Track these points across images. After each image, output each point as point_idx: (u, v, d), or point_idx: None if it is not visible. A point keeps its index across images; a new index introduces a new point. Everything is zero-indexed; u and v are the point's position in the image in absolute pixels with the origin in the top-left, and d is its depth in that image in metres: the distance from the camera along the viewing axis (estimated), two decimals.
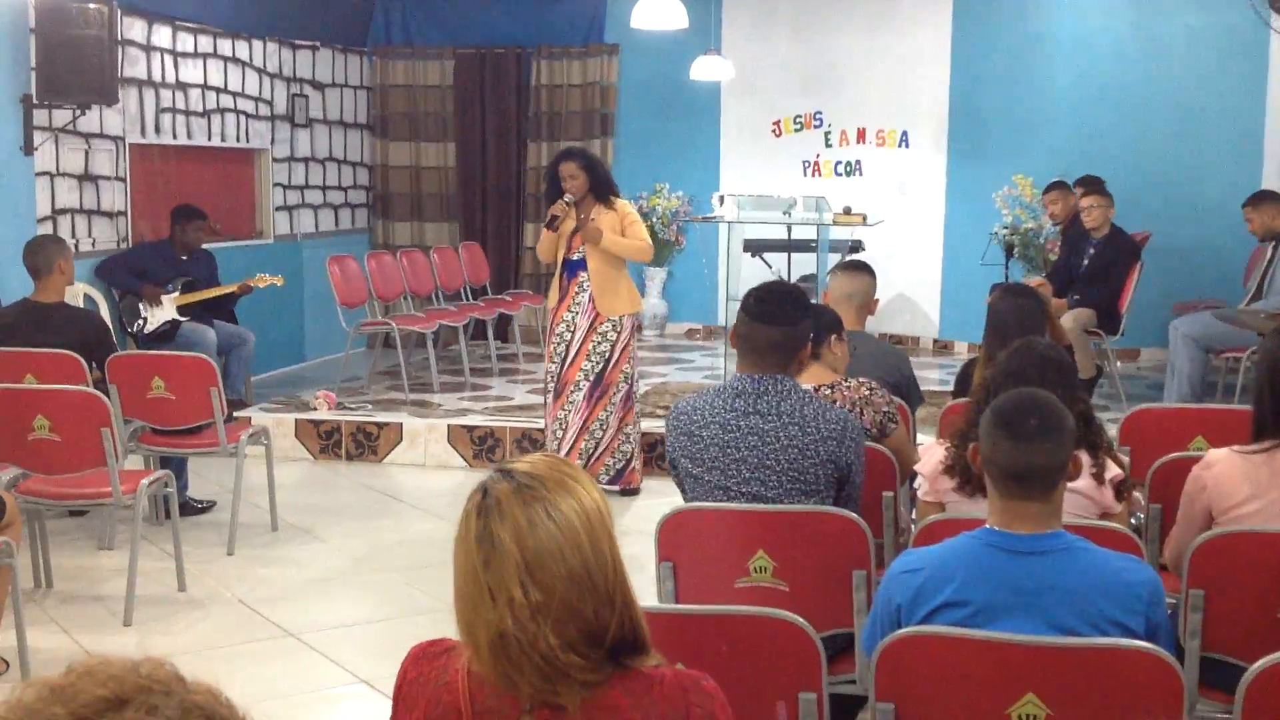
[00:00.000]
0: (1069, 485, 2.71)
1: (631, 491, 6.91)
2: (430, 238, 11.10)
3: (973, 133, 10.28)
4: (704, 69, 10.12)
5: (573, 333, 6.78)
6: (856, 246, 9.77)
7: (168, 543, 5.68)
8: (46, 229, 7.56)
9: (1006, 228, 9.64)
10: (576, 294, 6.79)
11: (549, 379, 6.86)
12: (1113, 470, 3.35)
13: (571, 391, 6.75)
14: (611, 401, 6.79)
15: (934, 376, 9.14)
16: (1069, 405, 2.71)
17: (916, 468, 3.58)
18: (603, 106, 11.11)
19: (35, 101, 7.47)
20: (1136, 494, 3.67)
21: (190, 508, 6.48)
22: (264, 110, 9.81)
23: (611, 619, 1.80)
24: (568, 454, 6.61)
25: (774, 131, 11.17)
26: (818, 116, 11.01)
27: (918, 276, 10.59)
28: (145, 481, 5.30)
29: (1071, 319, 7.75)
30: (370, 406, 8.28)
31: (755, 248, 10.13)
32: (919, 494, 3.56)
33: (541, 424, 7.23)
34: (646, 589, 3.51)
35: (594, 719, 1.80)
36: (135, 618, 5.13)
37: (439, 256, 10.19)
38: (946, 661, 2.47)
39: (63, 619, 5.17)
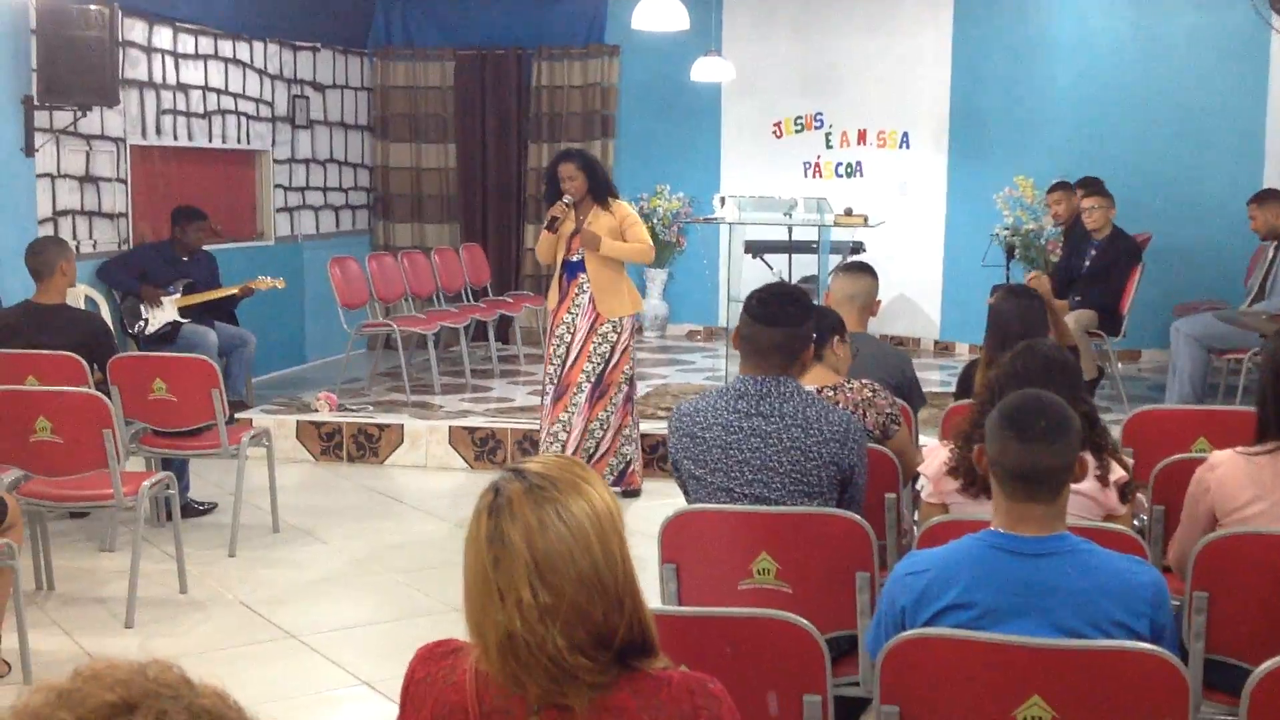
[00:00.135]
0: (1073, 487, 2.71)
1: (632, 493, 6.91)
2: (431, 239, 11.10)
3: (973, 134, 10.28)
4: (705, 70, 10.12)
5: (573, 334, 6.78)
6: (857, 248, 9.77)
7: (169, 544, 5.68)
8: (47, 230, 7.56)
9: (1007, 229, 9.64)
10: (576, 295, 6.78)
11: (547, 380, 6.85)
12: (1117, 472, 3.35)
13: (574, 393, 6.75)
14: (612, 402, 6.79)
15: (935, 378, 9.14)
16: (1073, 407, 2.71)
17: (920, 469, 3.58)
18: (603, 108, 11.11)
19: (36, 103, 7.47)
20: (1140, 496, 3.66)
21: (192, 509, 6.48)
22: (265, 112, 9.81)
23: (620, 622, 1.80)
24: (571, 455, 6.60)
25: (775, 132, 11.17)
26: (818, 117, 11.02)
27: (918, 278, 10.59)
28: (147, 483, 5.30)
29: (1073, 320, 7.74)
30: (371, 408, 8.28)
31: (756, 249, 10.12)
32: (922, 495, 3.56)
33: (536, 425, 7.22)
34: (648, 590, 3.50)
35: None
36: (137, 620, 5.13)
37: (440, 258, 10.19)
38: (951, 664, 2.47)
39: (64, 621, 5.16)
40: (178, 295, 7.83)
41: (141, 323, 7.73)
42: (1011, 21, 10.12)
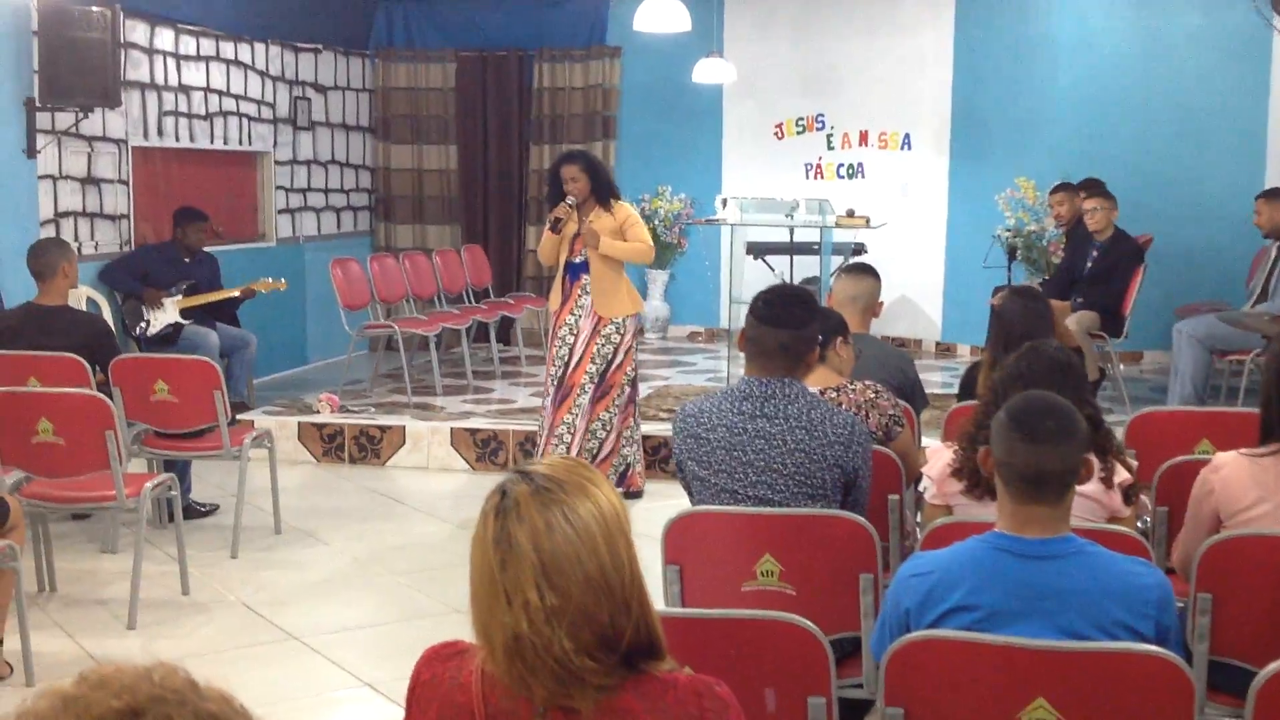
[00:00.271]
0: (1077, 489, 2.70)
1: (633, 495, 6.91)
2: (432, 240, 11.11)
3: (975, 135, 10.27)
4: (706, 71, 10.12)
5: (575, 336, 6.78)
6: (859, 249, 9.76)
7: (171, 546, 5.68)
8: (49, 232, 7.56)
9: (1009, 230, 9.63)
10: (579, 297, 6.79)
11: (550, 382, 6.85)
12: (1121, 474, 3.34)
13: (578, 395, 6.75)
14: (614, 403, 6.79)
15: (937, 379, 9.13)
16: (1078, 408, 2.70)
17: (924, 470, 3.57)
18: (605, 109, 11.11)
19: (38, 104, 7.47)
20: (1143, 497, 3.66)
21: (193, 511, 6.48)
22: (266, 113, 9.82)
23: (627, 624, 1.80)
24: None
25: (776, 134, 11.16)
26: (820, 119, 11.01)
27: (920, 279, 10.58)
28: (149, 485, 5.29)
29: (1075, 322, 7.75)
30: (373, 409, 8.27)
31: (758, 250, 10.12)
32: (926, 497, 3.55)
33: (535, 426, 7.22)
34: (651, 592, 3.50)
35: None
36: (139, 621, 5.13)
37: (441, 259, 10.19)
38: (956, 666, 2.47)
39: (66, 623, 5.16)
40: (179, 297, 7.83)
41: (143, 324, 7.73)
42: (1012, 22, 10.12)
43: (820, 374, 3.95)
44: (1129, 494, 3.34)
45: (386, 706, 4.41)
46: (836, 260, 9.13)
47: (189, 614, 5.33)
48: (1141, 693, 2.40)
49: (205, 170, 9.39)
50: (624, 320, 6.80)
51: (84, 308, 7.23)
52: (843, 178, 10.93)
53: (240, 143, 9.56)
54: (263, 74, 9.76)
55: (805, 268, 9.65)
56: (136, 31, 8.39)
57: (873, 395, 3.96)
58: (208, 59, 9.14)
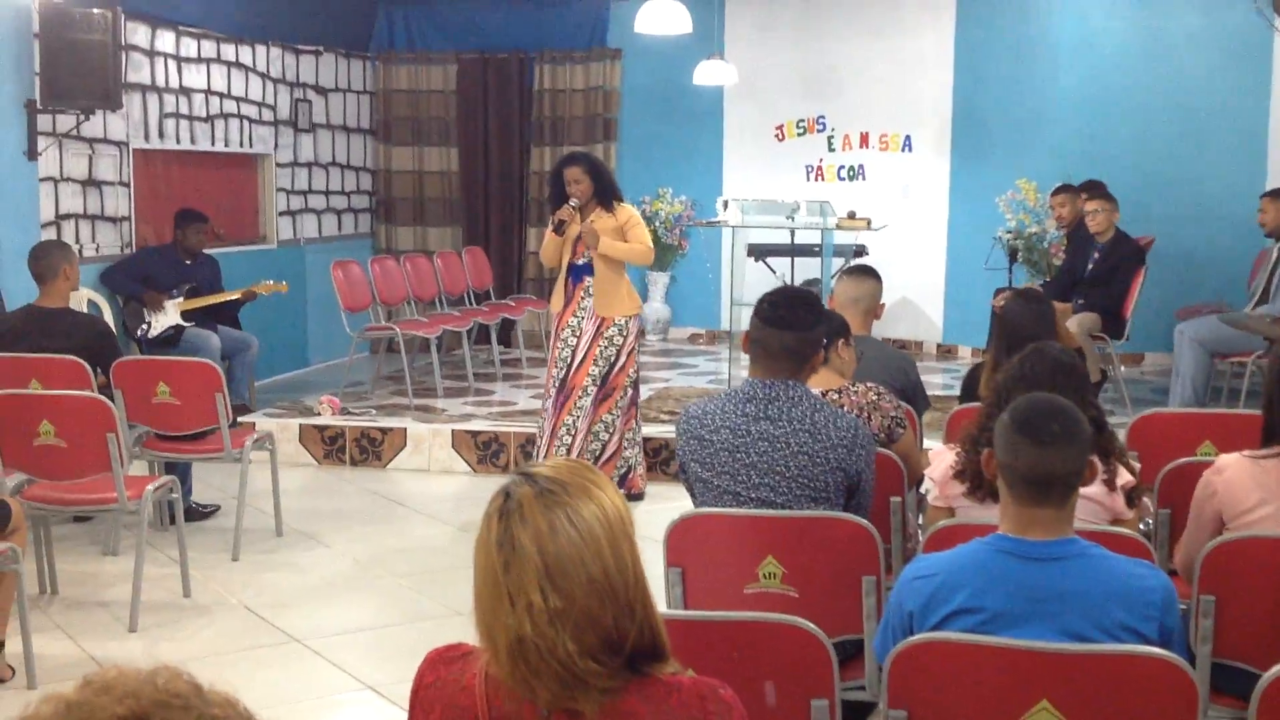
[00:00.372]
0: (1080, 491, 2.70)
1: (635, 497, 6.90)
2: (433, 242, 11.11)
3: (976, 136, 10.27)
4: (707, 73, 10.12)
5: (578, 337, 6.78)
6: (860, 251, 9.76)
7: (172, 548, 5.68)
8: (50, 234, 7.56)
9: (1010, 232, 9.63)
10: (582, 299, 6.79)
11: (551, 383, 6.85)
12: (1124, 477, 3.34)
13: (580, 396, 6.75)
14: (617, 405, 6.79)
15: (938, 381, 9.13)
16: (1081, 410, 2.70)
17: (926, 472, 3.57)
18: (605, 111, 11.12)
19: (39, 107, 7.48)
20: (1145, 499, 3.66)
21: (194, 512, 6.48)
22: (267, 115, 9.82)
23: (631, 627, 1.79)
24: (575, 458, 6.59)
25: (777, 136, 11.16)
26: (820, 121, 11.01)
27: (921, 280, 10.58)
28: (150, 487, 5.29)
29: (1076, 323, 7.74)
30: (374, 412, 8.27)
31: (759, 252, 10.12)
32: (929, 499, 3.55)
33: (536, 428, 7.21)
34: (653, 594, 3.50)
35: None
36: (140, 624, 5.13)
37: (442, 261, 10.19)
38: (959, 668, 2.46)
39: (68, 625, 5.16)
40: (181, 299, 7.84)
41: (144, 326, 7.73)
42: (1013, 23, 10.12)
43: (822, 376, 3.95)
44: (1132, 496, 3.34)
45: (388, 709, 4.41)
46: (837, 262, 9.13)
47: (190, 616, 5.32)
48: (1145, 695, 2.40)
49: (206, 172, 9.39)
50: (626, 321, 6.80)
51: (85, 310, 7.23)
52: (843, 179, 10.93)
53: (241, 145, 9.56)
54: (264, 76, 9.77)
55: (806, 269, 9.65)
56: (137, 34, 8.40)
57: (875, 397, 3.96)
58: (209, 61, 9.15)
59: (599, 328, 6.77)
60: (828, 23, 10.85)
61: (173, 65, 8.77)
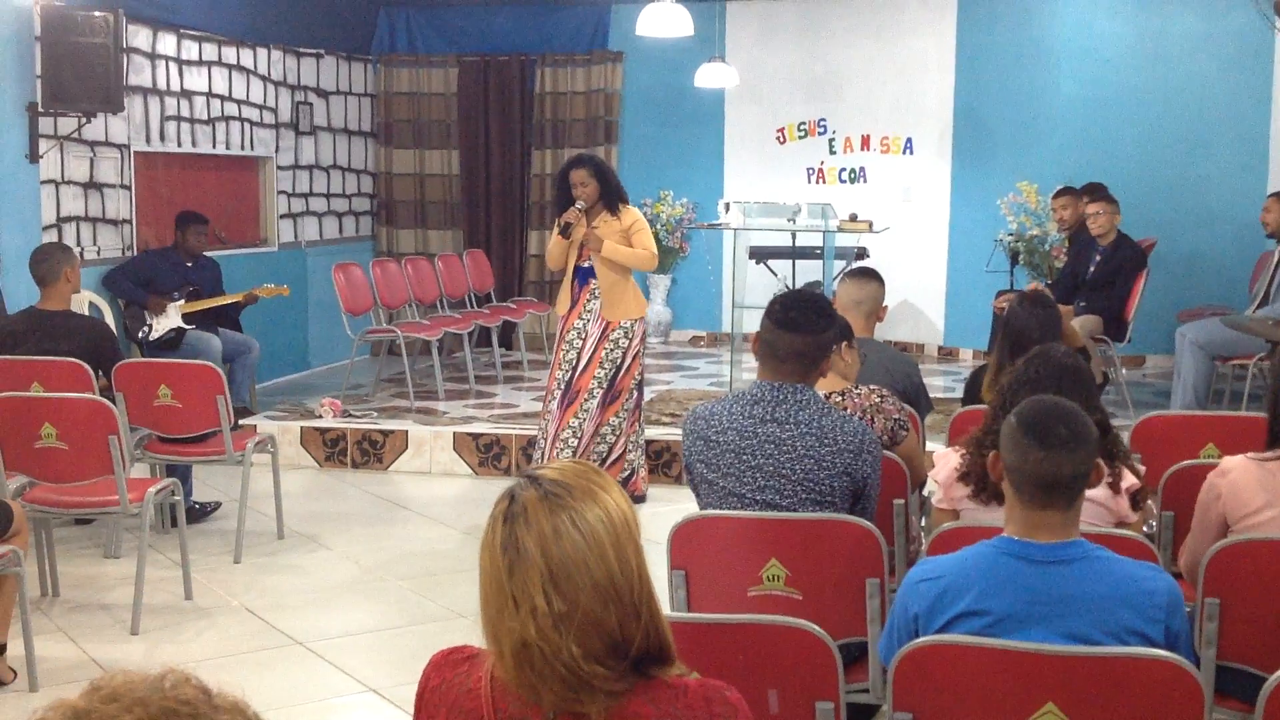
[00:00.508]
0: (1085, 494, 2.69)
1: (637, 499, 6.89)
2: (434, 245, 11.11)
3: (977, 139, 10.27)
4: (708, 76, 10.12)
5: (584, 340, 6.78)
6: (861, 253, 9.76)
7: (174, 551, 5.67)
8: (52, 237, 7.56)
9: (1011, 234, 9.63)
10: (588, 301, 6.78)
11: (556, 385, 6.84)
12: (1129, 479, 3.34)
13: (585, 399, 6.74)
14: (624, 407, 6.79)
15: (939, 383, 9.13)
16: (1088, 414, 2.69)
17: (930, 475, 3.56)
18: (607, 114, 11.12)
19: (41, 109, 7.48)
20: (1150, 503, 3.65)
21: (195, 513, 6.47)
22: (268, 118, 9.82)
23: (636, 630, 1.79)
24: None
25: (778, 138, 11.16)
26: (822, 123, 11.01)
27: (922, 283, 10.58)
28: (152, 490, 5.28)
29: (1078, 326, 7.73)
30: (375, 414, 8.27)
31: (760, 255, 10.13)
32: (933, 501, 3.54)
33: (538, 430, 7.21)
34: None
35: None
36: (142, 626, 5.12)
37: (443, 264, 10.19)
38: (965, 671, 2.46)
39: (70, 628, 5.15)
40: (182, 301, 7.83)
41: (146, 328, 7.73)
42: (1015, 26, 10.12)
43: (825, 379, 3.94)
44: (1136, 499, 3.34)
45: (390, 711, 4.40)
46: (839, 265, 9.13)
47: (192, 619, 5.32)
48: (1150, 698, 2.40)
49: (207, 175, 9.39)
50: (632, 324, 6.80)
51: (86, 312, 7.22)
52: (845, 182, 10.93)
53: (242, 147, 9.55)
54: (265, 79, 9.76)
55: (807, 272, 9.66)
56: (139, 36, 8.40)
57: (878, 400, 3.96)
58: (210, 64, 9.14)
59: (604, 331, 6.76)
60: (829, 25, 10.85)
61: (174, 68, 8.77)
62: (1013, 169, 9.90)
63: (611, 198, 6.75)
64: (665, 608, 3.37)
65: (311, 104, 10.33)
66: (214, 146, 9.24)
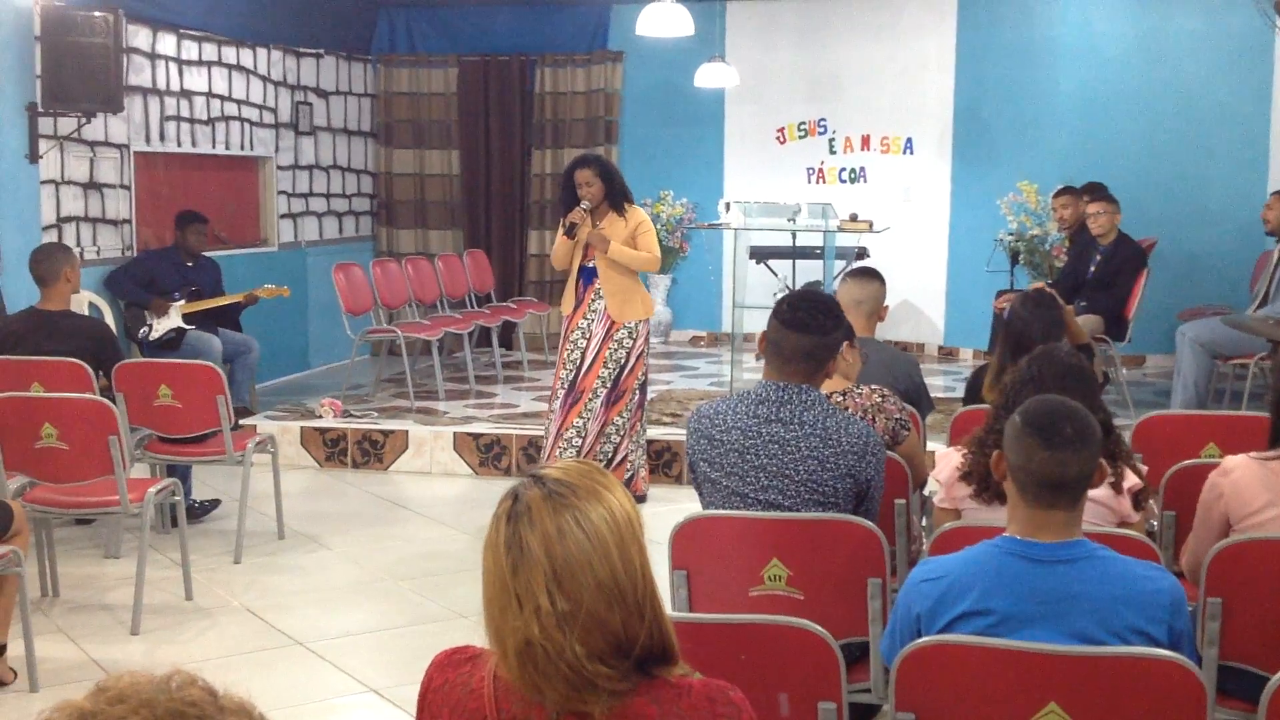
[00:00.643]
0: (1088, 494, 2.69)
1: (637, 499, 6.87)
2: (435, 245, 11.11)
3: (977, 139, 10.27)
4: (708, 76, 10.12)
5: (588, 340, 6.77)
6: (861, 253, 9.76)
7: (174, 551, 5.67)
8: (52, 237, 7.56)
9: (1012, 234, 9.63)
10: (593, 301, 6.77)
11: (559, 385, 6.84)
12: (1131, 480, 3.33)
13: (590, 399, 6.74)
14: (627, 407, 6.79)
15: (939, 383, 9.12)
16: (1091, 413, 2.69)
17: (932, 474, 3.56)
18: (607, 114, 11.12)
19: (40, 109, 7.47)
20: (1151, 503, 3.65)
21: (194, 511, 6.47)
22: (268, 118, 9.81)
23: (640, 630, 1.78)
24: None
25: (778, 138, 11.16)
26: (822, 123, 11.01)
27: (922, 283, 10.58)
28: (153, 490, 5.28)
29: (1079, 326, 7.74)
30: (376, 414, 8.26)
31: (760, 255, 10.12)
32: (935, 501, 3.54)
33: (541, 431, 7.20)
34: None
35: None
36: (142, 627, 5.12)
37: (444, 264, 10.18)
38: (968, 671, 2.45)
39: (70, 628, 5.15)
40: (183, 301, 7.83)
41: (146, 329, 7.73)
42: (1015, 26, 10.12)
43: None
44: (1139, 499, 3.34)
45: (391, 712, 4.40)
46: (839, 264, 9.12)
47: (192, 619, 5.31)
48: (1153, 697, 2.40)
49: (207, 175, 9.38)
50: (637, 325, 6.80)
51: (87, 313, 7.22)
52: (845, 182, 10.93)
53: (242, 148, 9.55)
54: (265, 79, 9.76)
55: (807, 272, 9.65)
56: (139, 36, 8.39)
57: (879, 399, 3.95)
58: (210, 64, 9.14)
59: (609, 330, 6.76)
60: (829, 25, 10.85)
61: (174, 68, 8.77)
62: (1013, 168, 9.90)
63: (617, 198, 6.74)
64: (666, 607, 3.37)
65: (311, 104, 10.33)
66: (214, 146, 9.24)
